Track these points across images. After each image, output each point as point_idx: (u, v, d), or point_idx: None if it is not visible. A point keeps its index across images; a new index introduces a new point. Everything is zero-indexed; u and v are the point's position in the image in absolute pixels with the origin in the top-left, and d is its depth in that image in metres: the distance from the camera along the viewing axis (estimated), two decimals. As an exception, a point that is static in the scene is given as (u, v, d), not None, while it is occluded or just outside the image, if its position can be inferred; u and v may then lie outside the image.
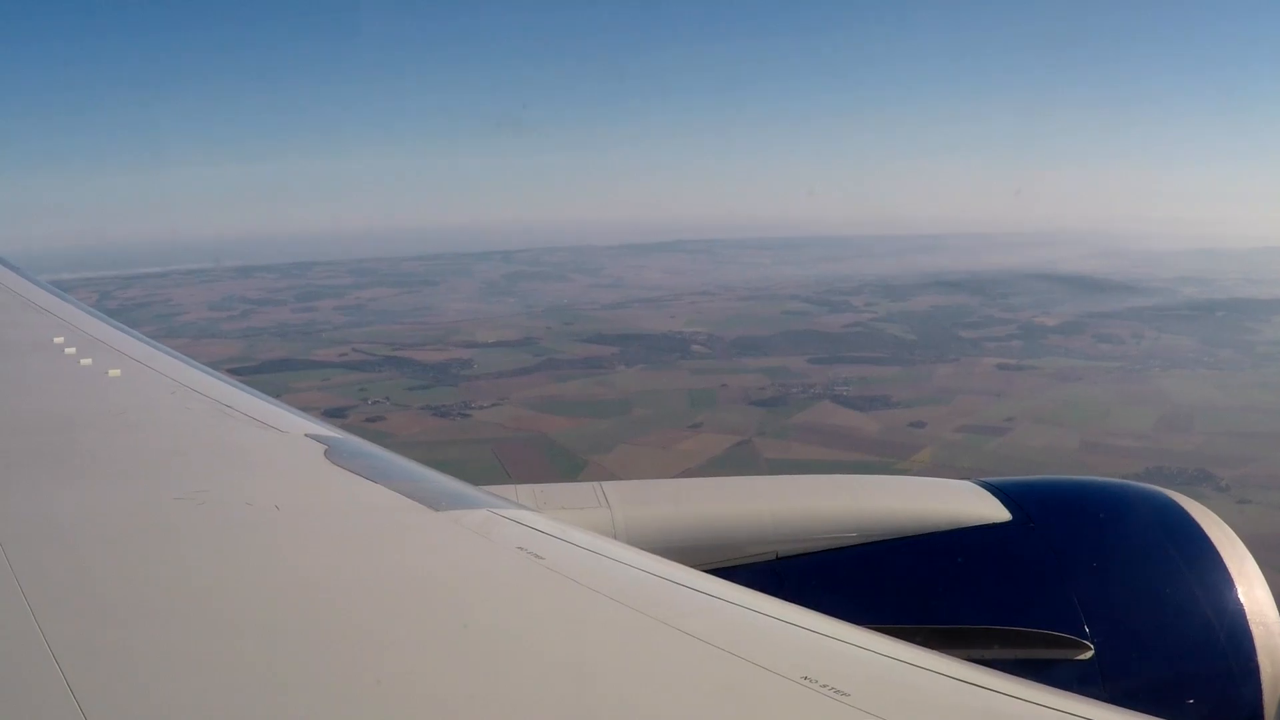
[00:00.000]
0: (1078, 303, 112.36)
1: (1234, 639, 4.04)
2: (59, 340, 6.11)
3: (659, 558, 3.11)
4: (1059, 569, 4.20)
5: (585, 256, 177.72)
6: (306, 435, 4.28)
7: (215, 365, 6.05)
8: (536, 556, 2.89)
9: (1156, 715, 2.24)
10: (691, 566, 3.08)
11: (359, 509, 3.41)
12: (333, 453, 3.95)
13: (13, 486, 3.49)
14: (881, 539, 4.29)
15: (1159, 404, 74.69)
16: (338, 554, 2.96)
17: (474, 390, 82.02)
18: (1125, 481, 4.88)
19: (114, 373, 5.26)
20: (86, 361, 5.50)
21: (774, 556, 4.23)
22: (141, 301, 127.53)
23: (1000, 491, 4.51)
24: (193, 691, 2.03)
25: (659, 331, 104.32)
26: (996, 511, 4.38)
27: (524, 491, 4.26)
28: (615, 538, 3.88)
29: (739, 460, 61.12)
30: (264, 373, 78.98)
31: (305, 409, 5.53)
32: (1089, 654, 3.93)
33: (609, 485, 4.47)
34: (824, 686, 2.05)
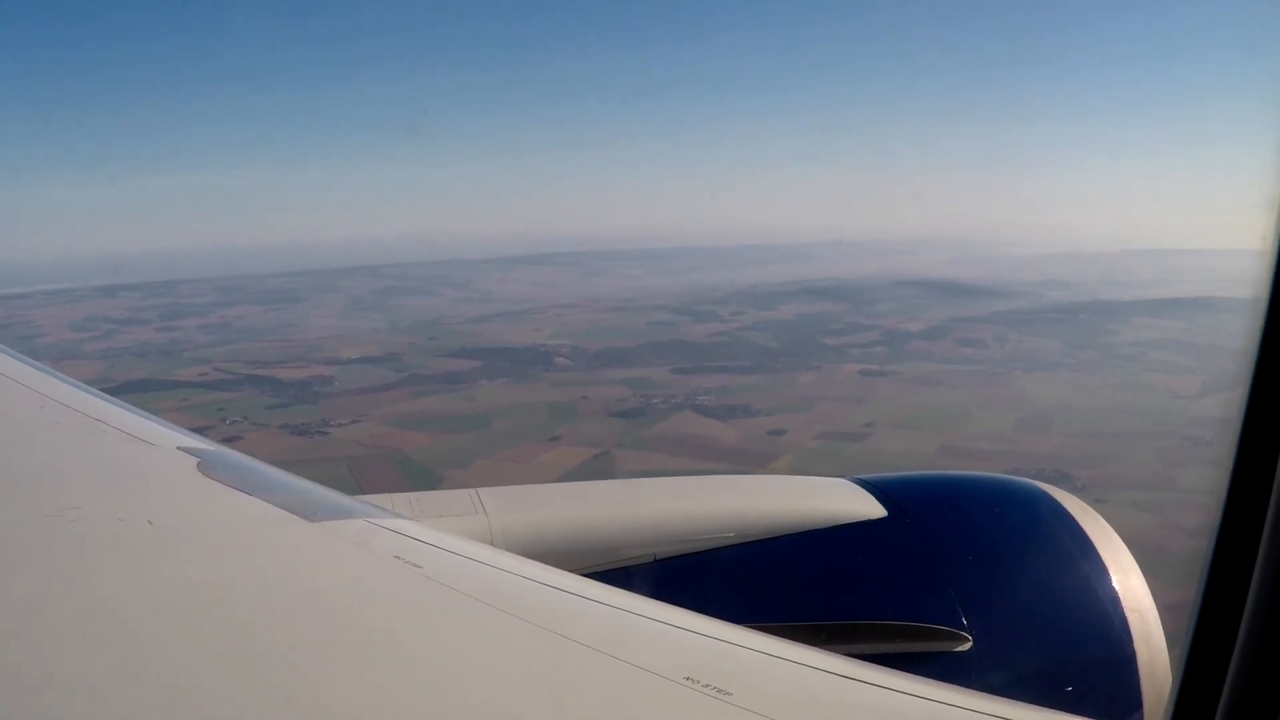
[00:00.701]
0: (943, 308, 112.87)
1: (1110, 626, 4.10)
2: None
3: (536, 563, 3.11)
4: (935, 562, 4.27)
5: (455, 270, 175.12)
6: (179, 448, 4.17)
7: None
8: (414, 565, 2.88)
9: (1036, 704, 2.47)
10: (569, 571, 3.11)
11: (233, 522, 3.36)
12: (205, 465, 3.86)
13: None
14: (759, 538, 4.31)
15: (1018, 406, 75.00)
16: (212, 567, 2.90)
17: (333, 407, 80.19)
18: (999, 475, 5.00)
19: None
20: None
21: (652, 558, 4.22)
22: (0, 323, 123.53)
23: (875, 488, 4.57)
24: (68, 710, 2.03)
25: (523, 345, 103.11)
26: (872, 508, 4.42)
27: (400, 500, 4.28)
28: (493, 544, 3.93)
29: (598, 473, 59.83)
30: (124, 393, 72.61)
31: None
32: (968, 645, 3.97)
33: (485, 491, 4.47)
34: (706, 686, 2.06)
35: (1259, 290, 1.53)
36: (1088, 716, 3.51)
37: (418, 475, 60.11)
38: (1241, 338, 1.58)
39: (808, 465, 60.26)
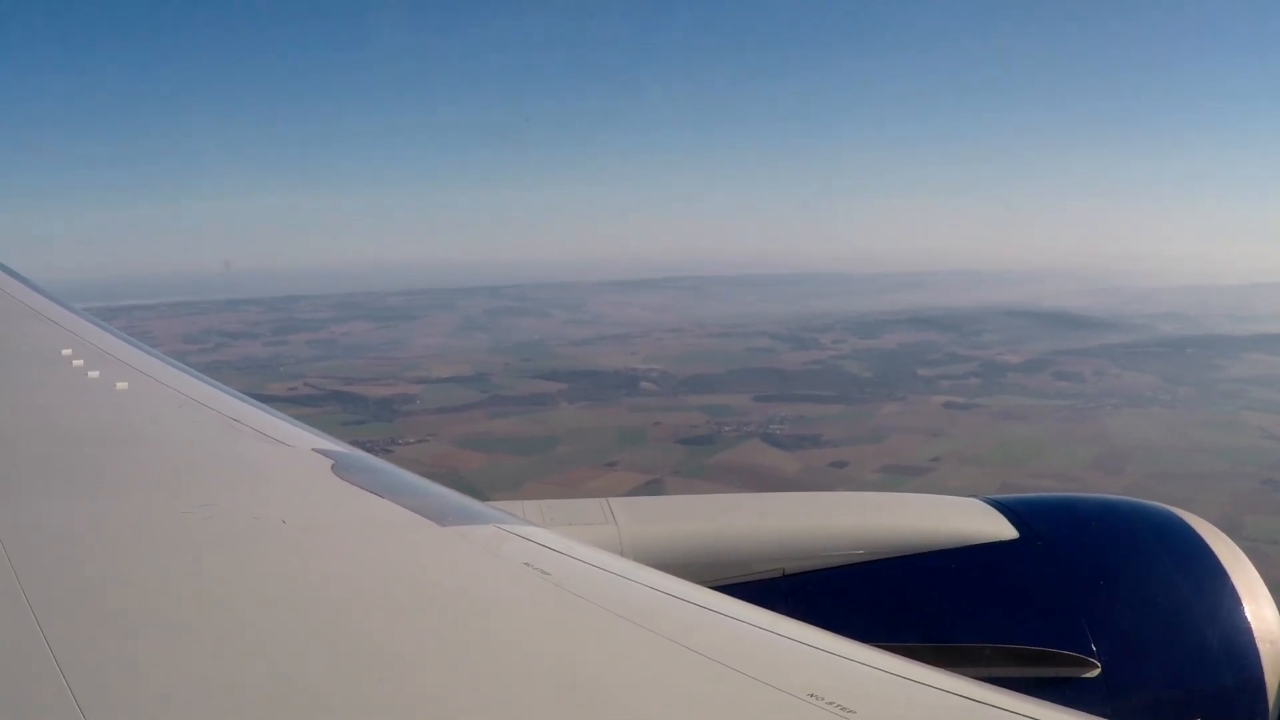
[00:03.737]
0: (1049, 340, 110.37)
1: (1241, 656, 3.99)
2: (67, 352, 6.02)
3: (665, 574, 3.07)
4: (1065, 586, 4.18)
5: (572, 293, 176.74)
6: (314, 450, 4.25)
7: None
8: (543, 572, 2.90)
9: None
10: (698, 583, 3.04)
11: (365, 523, 3.40)
12: (340, 467, 3.92)
13: (19, 499, 3.50)
14: (888, 556, 4.24)
15: (1098, 444, 72.89)
16: (343, 568, 2.95)
17: (407, 426, 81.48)
18: (1133, 499, 4.80)
19: (121, 385, 5.24)
20: (94, 374, 5.48)
21: (781, 573, 4.18)
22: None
23: (1007, 509, 4.45)
24: (197, 705, 2.08)
25: (613, 368, 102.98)
26: (1003, 529, 4.33)
27: (530, 507, 4.25)
28: (622, 554, 3.90)
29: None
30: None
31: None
32: (1096, 672, 3.89)
33: (616, 501, 4.44)
34: (830, 704, 2.07)
35: None
36: None
37: (464, 496, 59.42)
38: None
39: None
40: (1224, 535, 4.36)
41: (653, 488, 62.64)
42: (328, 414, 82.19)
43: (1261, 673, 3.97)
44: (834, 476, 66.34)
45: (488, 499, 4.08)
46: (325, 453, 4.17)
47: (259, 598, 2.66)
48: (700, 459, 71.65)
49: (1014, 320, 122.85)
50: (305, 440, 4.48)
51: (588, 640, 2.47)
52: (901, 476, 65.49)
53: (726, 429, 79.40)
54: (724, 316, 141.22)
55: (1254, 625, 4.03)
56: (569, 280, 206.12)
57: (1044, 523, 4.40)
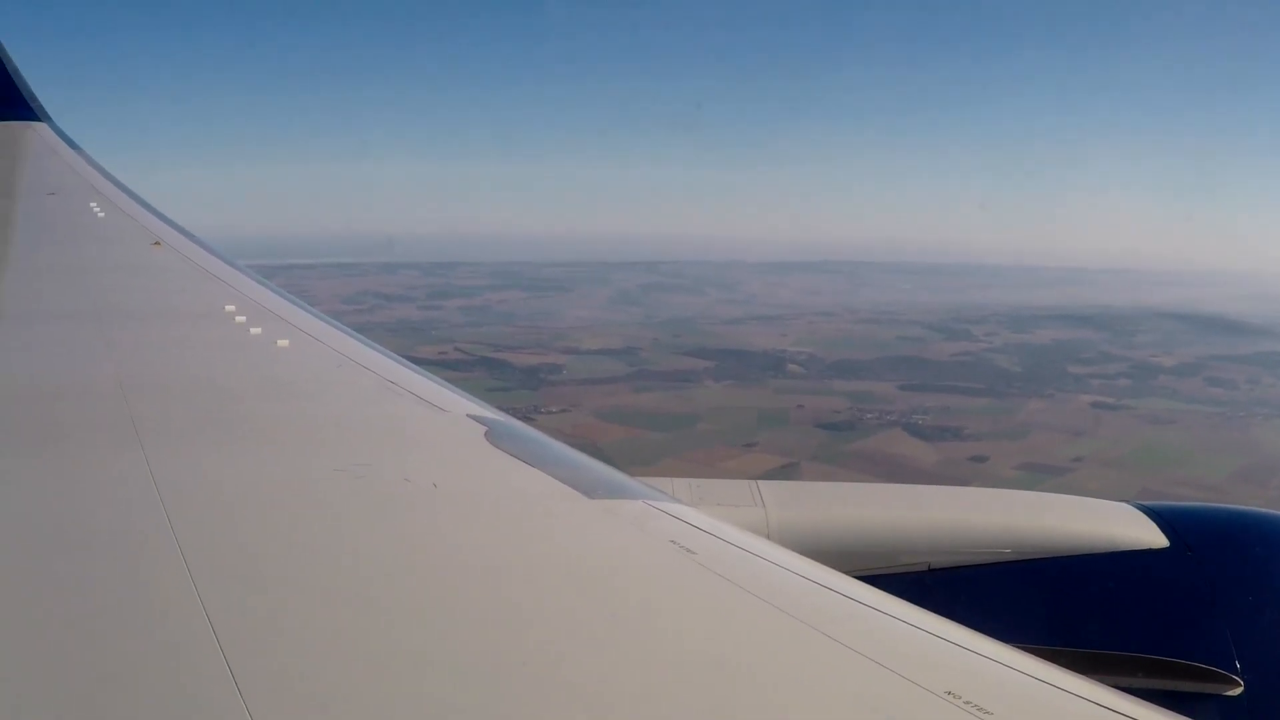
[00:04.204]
0: (1207, 344, 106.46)
1: None
2: (230, 309, 6.30)
3: (810, 560, 3.06)
4: (1214, 600, 4.17)
5: (728, 272, 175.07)
6: (468, 415, 4.33)
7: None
8: (688, 551, 2.91)
9: None
10: (843, 571, 3.01)
11: (514, 492, 3.49)
12: (492, 434, 4.00)
13: (179, 451, 3.58)
14: (1035, 556, 4.32)
15: (1244, 453, 70.48)
16: (490, 535, 3.04)
17: (551, 395, 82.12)
18: None
19: (283, 343, 5.44)
20: (256, 331, 5.71)
21: (926, 567, 4.29)
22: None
23: (1158, 516, 4.48)
24: (344, 663, 2.13)
25: (762, 349, 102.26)
26: (1153, 536, 4.36)
27: (680, 485, 4.45)
28: (769, 537, 3.93)
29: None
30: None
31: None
32: (1239, 690, 3.86)
33: (765, 484, 4.62)
34: (967, 703, 2.07)
35: None
36: None
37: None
38: None
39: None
40: None
41: (788, 471, 62.49)
42: (474, 379, 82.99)
43: None
44: (972, 471, 65.37)
45: (625, 473, 4.17)
46: (479, 419, 4.24)
47: (405, 561, 2.75)
48: (839, 445, 71.28)
49: (1171, 322, 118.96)
50: (460, 406, 4.56)
51: (729, 622, 2.50)
52: (1041, 475, 64.32)
53: (869, 416, 78.66)
54: (877, 303, 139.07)
55: None
56: (727, 259, 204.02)
57: (1195, 533, 4.41)
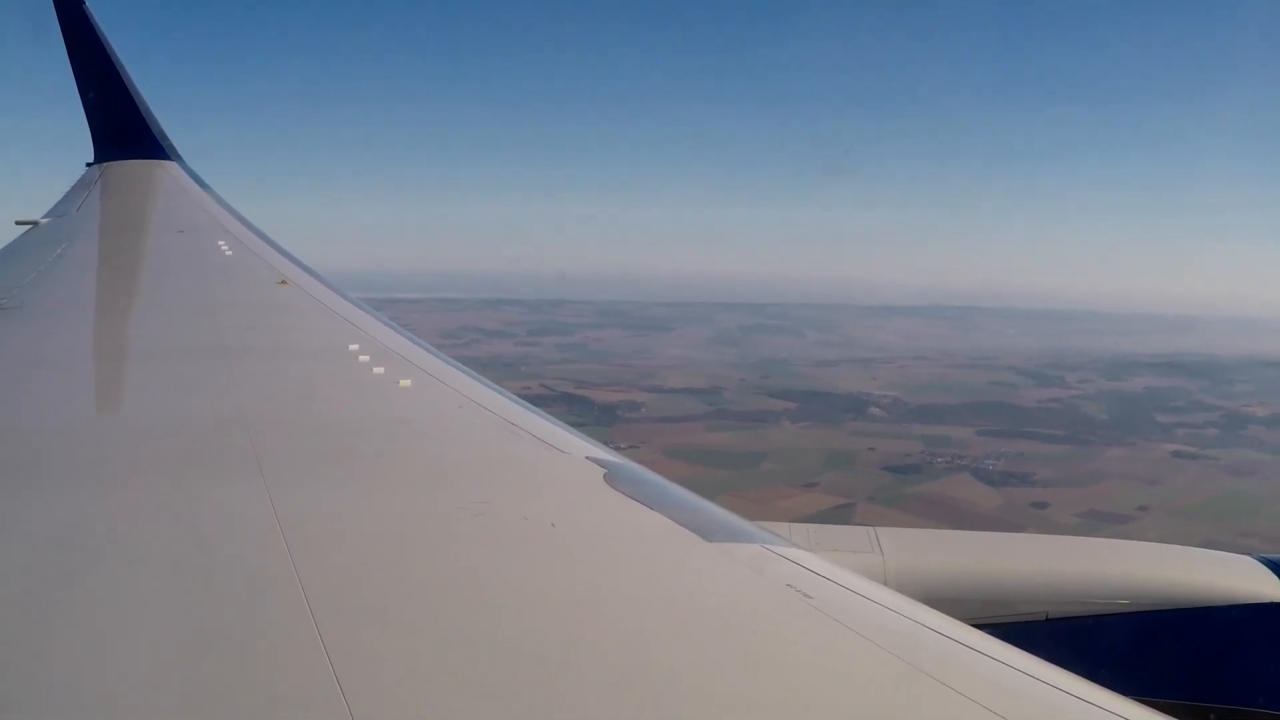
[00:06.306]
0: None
1: None
2: (354, 348, 6.36)
3: (928, 607, 3.08)
4: None
5: (833, 314, 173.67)
6: (587, 458, 4.33)
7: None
8: (805, 595, 2.91)
9: None
10: (960, 619, 3.05)
11: (632, 533, 3.49)
12: (611, 477, 3.99)
13: (301, 487, 3.70)
14: (1154, 608, 4.30)
15: (1322, 505, 67.79)
16: (608, 575, 3.07)
17: (625, 433, 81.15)
18: None
19: (405, 383, 5.49)
20: (379, 370, 5.75)
21: (1044, 616, 4.30)
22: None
23: None
24: (460, 700, 2.16)
25: (846, 391, 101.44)
26: (1276, 590, 4.33)
27: (797, 530, 4.50)
28: (885, 584, 3.93)
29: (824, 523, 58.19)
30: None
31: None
32: None
33: (883, 531, 4.66)
34: None
35: None
36: None
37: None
38: None
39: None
40: None
41: (842, 511, 62.35)
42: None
43: None
44: (1030, 517, 64.40)
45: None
46: (598, 461, 4.23)
47: (524, 598, 2.76)
48: (900, 487, 70.77)
49: (1274, 371, 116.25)
50: (579, 448, 4.55)
51: (846, 668, 2.50)
52: (1101, 523, 63.20)
53: (939, 460, 78.08)
54: (977, 348, 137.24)
55: None
56: (834, 302, 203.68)
57: None
